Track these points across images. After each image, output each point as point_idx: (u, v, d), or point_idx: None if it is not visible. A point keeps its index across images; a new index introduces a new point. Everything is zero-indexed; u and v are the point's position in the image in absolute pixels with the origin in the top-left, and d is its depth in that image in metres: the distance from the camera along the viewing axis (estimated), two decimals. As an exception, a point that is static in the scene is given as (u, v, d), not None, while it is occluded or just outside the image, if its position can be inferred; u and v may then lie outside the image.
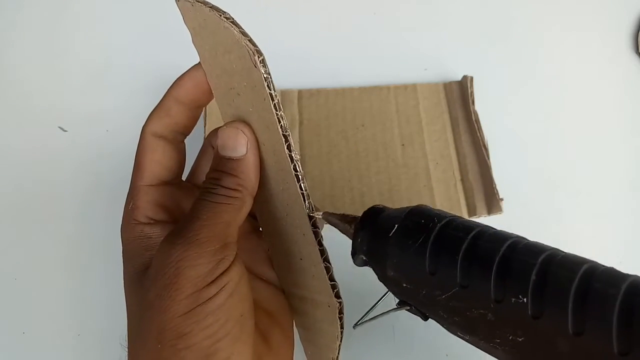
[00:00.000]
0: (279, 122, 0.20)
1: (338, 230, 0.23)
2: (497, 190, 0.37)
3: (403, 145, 0.40)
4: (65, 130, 0.41)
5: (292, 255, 0.24)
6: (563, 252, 0.19)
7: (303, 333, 0.28)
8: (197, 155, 0.28)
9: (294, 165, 0.21)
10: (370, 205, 0.37)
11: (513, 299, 0.17)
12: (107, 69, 0.44)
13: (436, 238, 0.20)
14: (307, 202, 0.21)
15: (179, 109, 0.23)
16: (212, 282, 0.19)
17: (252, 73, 0.20)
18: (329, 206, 0.38)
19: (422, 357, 0.34)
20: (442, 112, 0.42)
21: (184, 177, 0.27)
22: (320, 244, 0.22)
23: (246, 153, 0.21)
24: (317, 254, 0.22)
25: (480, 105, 0.41)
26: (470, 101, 0.41)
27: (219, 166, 0.22)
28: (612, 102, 0.43)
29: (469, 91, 0.41)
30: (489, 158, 0.39)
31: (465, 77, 0.42)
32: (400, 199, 0.38)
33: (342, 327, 0.23)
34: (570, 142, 0.42)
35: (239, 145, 0.21)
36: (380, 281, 0.22)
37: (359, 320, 0.24)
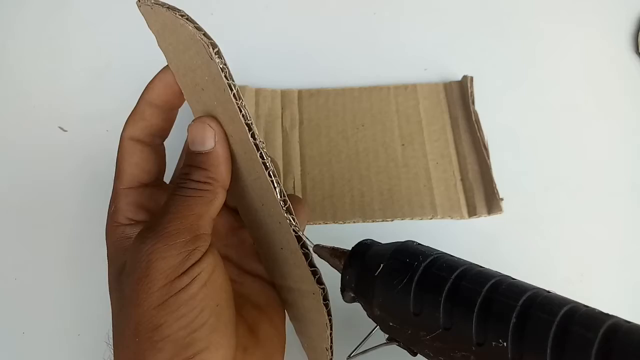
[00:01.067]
0: (240, 111, 0.20)
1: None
2: (497, 190, 0.37)
3: (403, 145, 0.40)
4: (65, 130, 0.41)
5: (274, 245, 0.24)
6: (546, 291, 0.18)
7: (296, 325, 0.28)
8: (180, 156, 0.28)
9: (260, 153, 0.21)
10: (370, 205, 0.38)
11: (494, 343, 0.17)
12: (107, 69, 0.44)
13: (420, 278, 0.20)
14: (277, 189, 0.21)
15: (153, 112, 0.24)
16: (184, 272, 0.20)
17: (210, 66, 0.21)
18: (329, 206, 0.38)
19: (422, 357, 0.34)
20: (442, 112, 0.42)
21: (169, 178, 0.27)
22: (295, 230, 0.22)
23: (214, 146, 0.22)
24: (294, 240, 0.22)
25: (480, 105, 0.41)
26: (470, 101, 0.41)
27: (189, 161, 0.22)
28: (612, 102, 0.43)
29: (469, 91, 0.41)
30: (489, 158, 0.39)
31: (465, 77, 0.42)
32: (400, 199, 0.38)
33: (329, 315, 0.23)
34: (570, 142, 0.42)
35: (206, 139, 0.22)
36: (369, 317, 0.22)
37: (352, 353, 0.24)
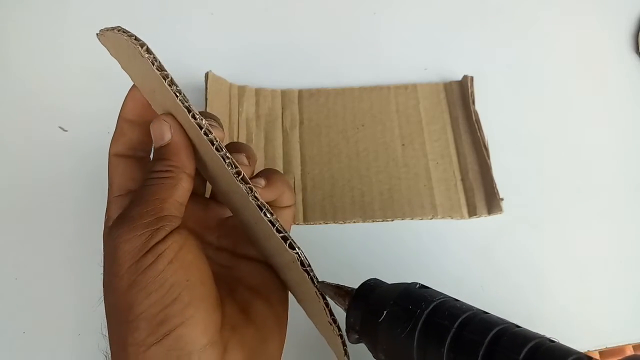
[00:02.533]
0: (177, 96, 0.21)
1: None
2: (497, 190, 0.37)
3: (403, 145, 0.40)
4: (66, 130, 0.41)
5: (249, 223, 0.25)
6: (550, 341, 0.18)
7: (303, 307, 0.27)
8: None
9: (204, 131, 0.21)
10: (370, 205, 0.38)
11: None
12: (107, 69, 0.44)
13: (423, 327, 0.20)
14: (227, 161, 0.22)
15: (130, 128, 0.25)
16: (148, 251, 0.20)
17: (147, 65, 0.21)
18: (329, 206, 0.38)
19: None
20: (442, 112, 0.42)
21: None
22: (255, 198, 0.22)
23: (171, 137, 0.23)
24: (257, 210, 0.22)
25: (480, 105, 0.41)
26: (470, 101, 0.41)
27: (154, 157, 0.24)
28: (613, 102, 0.43)
29: (469, 91, 0.41)
30: (489, 158, 0.39)
31: (465, 77, 0.42)
32: (400, 199, 0.38)
33: (314, 281, 0.22)
34: (570, 142, 0.42)
35: (163, 133, 0.23)
36: (375, 359, 0.22)
37: None
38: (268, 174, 0.25)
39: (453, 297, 0.22)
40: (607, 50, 0.46)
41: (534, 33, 0.47)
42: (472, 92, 0.41)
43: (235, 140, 0.40)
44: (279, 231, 0.22)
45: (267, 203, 0.23)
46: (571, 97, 0.43)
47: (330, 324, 0.23)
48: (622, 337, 0.35)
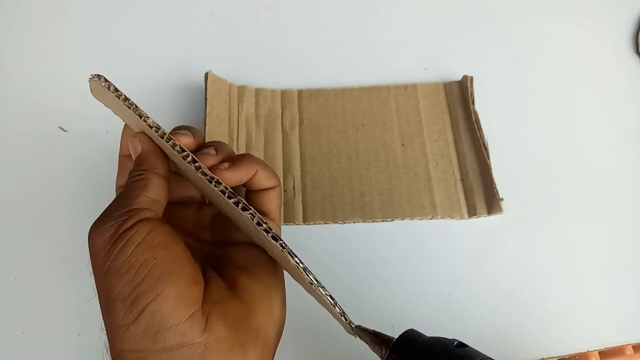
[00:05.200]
0: (130, 107, 0.24)
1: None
2: (497, 190, 0.37)
3: (403, 145, 0.40)
4: (65, 130, 0.41)
5: (224, 211, 0.26)
6: None
7: (299, 282, 0.28)
8: None
9: (154, 128, 0.24)
10: (370, 205, 0.38)
11: None
12: (107, 69, 0.44)
13: None
14: (176, 148, 0.23)
15: (129, 162, 0.27)
16: (117, 238, 0.22)
17: (113, 98, 0.24)
18: (329, 206, 0.38)
19: (422, 357, 0.34)
20: (442, 112, 0.42)
21: None
22: (204, 173, 0.23)
23: (142, 148, 0.26)
24: (208, 185, 0.23)
25: (480, 105, 0.41)
26: (470, 101, 0.41)
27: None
28: (613, 102, 0.43)
29: (469, 91, 0.41)
30: (489, 158, 0.39)
31: (465, 77, 0.42)
32: (400, 199, 0.38)
33: (283, 247, 0.22)
34: (570, 142, 0.42)
35: (135, 146, 0.26)
36: None
37: None
38: (227, 151, 0.26)
39: (490, 356, 0.22)
40: (607, 50, 0.46)
41: (534, 33, 0.47)
42: (472, 92, 0.41)
43: (235, 140, 0.40)
44: (230, 197, 0.23)
45: (242, 186, 0.24)
46: (571, 97, 0.43)
47: (333, 306, 0.24)
48: (622, 337, 0.35)
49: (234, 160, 0.26)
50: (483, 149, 0.39)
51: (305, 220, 0.38)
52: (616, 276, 0.37)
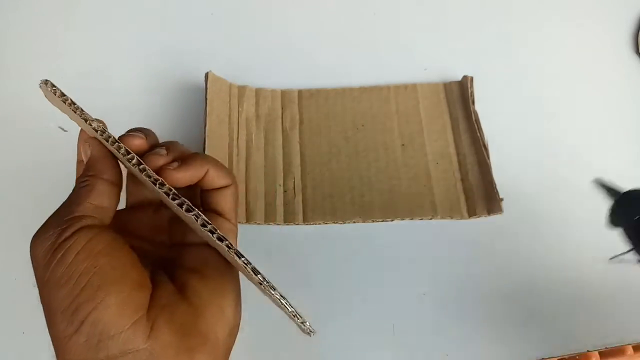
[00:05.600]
0: (75, 112, 0.24)
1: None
2: (497, 190, 0.37)
3: (403, 145, 0.40)
4: (66, 130, 0.41)
5: (176, 213, 0.25)
6: None
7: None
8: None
9: (99, 133, 0.24)
10: (370, 205, 0.38)
11: None
12: (107, 69, 0.44)
13: None
14: (120, 151, 0.23)
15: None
16: (56, 248, 0.21)
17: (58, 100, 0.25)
18: (329, 206, 0.38)
19: (422, 357, 0.34)
20: (442, 112, 0.42)
21: None
22: (149, 175, 0.23)
23: (90, 153, 0.26)
24: (151, 184, 0.23)
25: (480, 105, 0.41)
26: (470, 101, 0.41)
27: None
28: (613, 102, 0.43)
29: (469, 91, 0.41)
30: (489, 158, 0.39)
31: (465, 77, 0.42)
32: (400, 199, 0.38)
33: (229, 247, 0.22)
34: (570, 142, 0.42)
35: (85, 151, 0.26)
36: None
37: None
38: (178, 150, 0.26)
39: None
40: (607, 50, 0.46)
41: (534, 33, 0.47)
42: (472, 92, 0.41)
43: (235, 140, 0.40)
44: (174, 198, 0.23)
45: (195, 185, 0.25)
46: (571, 97, 0.43)
47: (285, 306, 0.23)
48: (622, 337, 0.35)
49: (184, 159, 0.25)
50: (483, 149, 0.39)
51: (305, 220, 0.38)
52: (616, 276, 0.37)
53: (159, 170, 0.24)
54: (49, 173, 0.40)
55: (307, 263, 0.37)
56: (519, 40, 0.46)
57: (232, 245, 0.22)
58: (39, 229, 0.23)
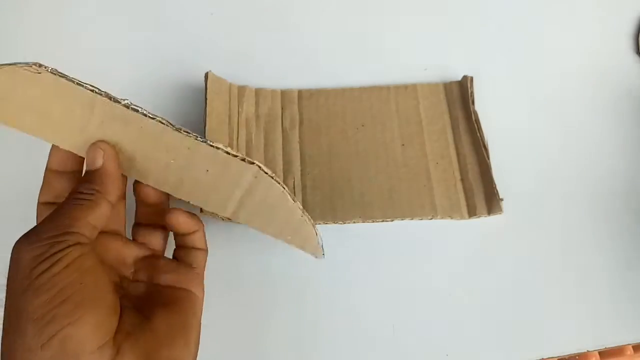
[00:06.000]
0: (79, 85, 0.24)
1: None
2: (497, 190, 0.37)
3: (403, 145, 0.40)
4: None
5: (197, 177, 0.26)
6: None
7: (266, 229, 0.29)
8: None
9: (115, 100, 0.24)
10: (370, 205, 0.38)
11: None
12: (106, 69, 0.44)
13: None
14: (162, 121, 0.24)
15: (55, 177, 0.27)
16: (46, 258, 0.21)
17: (59, 84, 0.24)
18: (329, 206, 0.38)
19: (422, 357, 0.34)
20: (442, 112, 0.42)
21: None
22: (195, 136, 0.24)
23: (102, 163, 0.25)
24: (208, 147, 0.25)
25: (480, 105, 0.41)
26: (470, 101, 0.41)
27: (80, 180, 0.25)
28: (613, 102, 0.43)
29: (469, 91, 0.41)
30: (489, 158, 0.39)
31: (465, 77, 0.42)
32: (400, 199, 0.38)
33: (280, 184, 0.25)
34: (570, 142, 0.42)
35: (95, 158, 0.25)
36: None
37: None
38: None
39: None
40: (607, 50, 0.46)
41: (534, 33, 0.47)
42: (472, 92, 0.41)
43: (235, 140, 0.40)
44: (233, 155, 0.25)
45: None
46: (571, 97, 0.44)
47: (302, 215, 0.26)
48: (622, 337, 0.35)
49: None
50: (483, 149, 0.39)
51: (305, 220, 0.38)
52: (616, 276, 0.37)
53: None
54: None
55: (306, 263, 0.37)
56: (519, 40, 0.46)
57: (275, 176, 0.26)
58: (30, 234, 0.22)
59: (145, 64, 0.44)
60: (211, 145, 0.25)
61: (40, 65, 0.23)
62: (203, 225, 0.29)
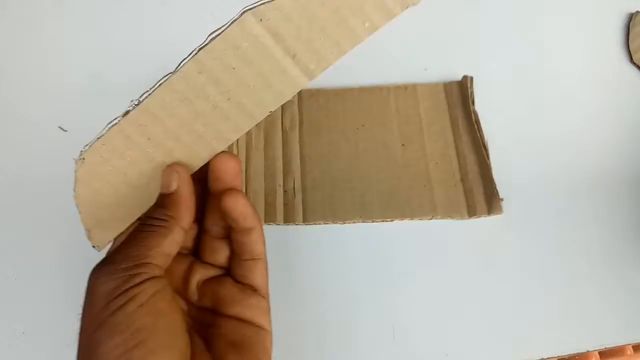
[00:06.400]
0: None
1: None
2: (497, 190, 0.37)
3: (403, 145, 0.40)
4: (65, 130, 0.41)
5: (246, 80, 0.26)
6: None
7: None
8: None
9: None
10: (370, 205, 0.38)
11: None
12: (107, 69, 0.44)
13: None
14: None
15: None
16: (121, 293, 0.20)
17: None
18: (329, 206, 0.38)
19: (422, 357, 0.34)
20: (442, 113, 0.42)
21: None
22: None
23: (177, 188, 0.24)
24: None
25: (480, 105, 0.41)
26: (470, 101, 0.41)
27: (155, 203, 0.24)
28: (612, 102, 0.43)
29: (469, 91, 0.41)
30: (489, 158, 0.39)
31: (465, 77, 0.42)
32: (400, 199, 0.38)
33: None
34: (570, 142, 0.42)
35: (171, 181, 0.24)
36: None
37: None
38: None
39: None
40: (607, 50, 0.46)
41: (534, 33, 0.47)
42: (472, 92, 0.41)
43: (235, 140, 0.39)
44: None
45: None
46: (571, 97, 0.43)
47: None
48: (622, 337, 0.35)
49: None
50: (483, 149, 0.39)
51: (305, 220, 0.38)
52: (616, 276, 0.37)
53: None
54: (49, 173, 0.40)
55: (307, 263, 0.37)
56: (519, 40, 0.46)
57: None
58: (105, 263, 0.21)
59: (145, 64, 0.44)
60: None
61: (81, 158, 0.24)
62: (262, 224, 0.26)
